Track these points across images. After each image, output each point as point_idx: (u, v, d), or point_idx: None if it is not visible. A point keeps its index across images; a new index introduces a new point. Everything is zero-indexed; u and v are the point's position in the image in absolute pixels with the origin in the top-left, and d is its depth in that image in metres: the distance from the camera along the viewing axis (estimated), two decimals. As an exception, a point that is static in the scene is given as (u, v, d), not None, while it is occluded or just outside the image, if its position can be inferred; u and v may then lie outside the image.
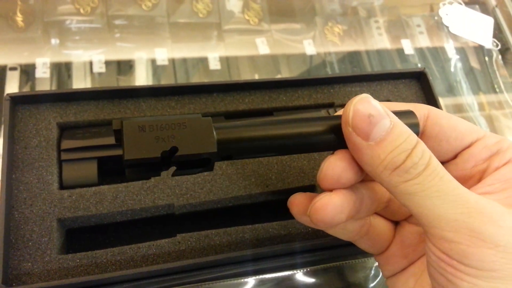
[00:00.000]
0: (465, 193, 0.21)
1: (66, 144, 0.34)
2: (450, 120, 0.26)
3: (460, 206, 0.20)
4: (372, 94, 0.41)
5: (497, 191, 0.23)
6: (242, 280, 0.36)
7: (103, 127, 0.36)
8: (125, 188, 0.34)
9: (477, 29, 0.66)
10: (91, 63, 0.57)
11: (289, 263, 0.36)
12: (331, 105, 0.40)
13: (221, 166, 0.36)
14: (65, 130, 0.36)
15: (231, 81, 0.38)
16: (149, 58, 0.59)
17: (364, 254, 0.36)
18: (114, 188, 0.34)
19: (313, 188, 0.37)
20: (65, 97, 0.36)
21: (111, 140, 0.35)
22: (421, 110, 0.26)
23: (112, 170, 0.36)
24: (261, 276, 0.36)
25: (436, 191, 0.21)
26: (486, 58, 0.63)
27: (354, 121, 0.22)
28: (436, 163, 0.21)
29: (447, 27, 0.65)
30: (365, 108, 0.22)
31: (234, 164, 0.36)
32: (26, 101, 0.35)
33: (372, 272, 0.37)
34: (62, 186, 0.34)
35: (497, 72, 0.63)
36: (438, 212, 0.20)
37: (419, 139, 0.22)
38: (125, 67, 0.58)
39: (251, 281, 0.36)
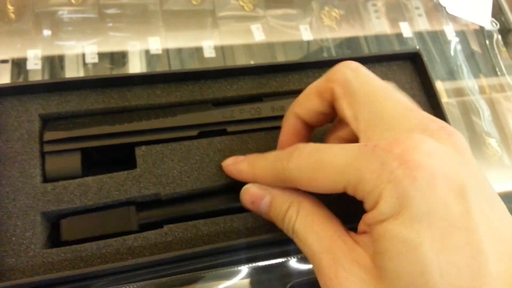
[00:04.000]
0: (314, 254, 0.25)
1: (49, 135, 0.34)
2: (311, 187, 0.26)
3: (313, 263, 0.25)
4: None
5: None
6: (233, 269, 0.35)
7: (87, 117, 0.35)
8: (109, 179, 0.33)
9: (475, 9, 0.63)
10: (83, 56, 0.56)
11: (280, 250, 0.35)
12: (323, 90, 0.39)
13: (208, 153, 0.35)
14: (47, 121, 0.35)
15: (219, 67, 0.37)
16: (142, 49, 0.58)
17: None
18: (99, 179, 0.33)
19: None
20: (47, 88, 0.35)
21: (94, 130, 0.34)
22: (286, 182, 0.28)
23: (97, 161, 0.35)
24: (252, 265, 0.35)
25: (301, 249, 0.27)
26: (487, 41, 0.61)
27: (246, 208, 0.31)
28: (298, 226, 0.26)
29: (445, 8, 0.63)
30: (247, 199, 0.30)
31: (222, 151, 0.35)
32: (6, 93, 0.34)
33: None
34: (45, 179, 0.33)
35: (498, 55, 0.61)
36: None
37: (290, 205, 0.27)
38: (118, 58, 0.57)
39: (242, 269, 0.35)
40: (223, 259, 0.34)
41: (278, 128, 0.37)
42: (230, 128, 0.37)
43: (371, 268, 0.23)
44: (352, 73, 0.27)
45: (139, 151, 0.34)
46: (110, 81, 0.35)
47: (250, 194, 0.30)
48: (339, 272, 0.23)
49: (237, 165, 0.32)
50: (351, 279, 0.23)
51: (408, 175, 0.21)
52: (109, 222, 0.33)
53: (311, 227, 0.26)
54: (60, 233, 0.32)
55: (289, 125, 0.32)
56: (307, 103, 0.31)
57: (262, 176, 0.29)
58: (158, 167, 0.34)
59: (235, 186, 0.35)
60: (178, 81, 0.37)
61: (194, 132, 0.36)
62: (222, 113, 0.37)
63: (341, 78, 0.27)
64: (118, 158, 0.36)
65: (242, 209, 0.34)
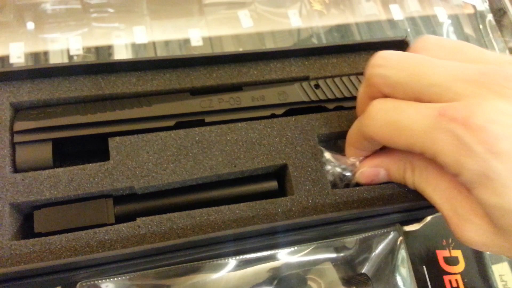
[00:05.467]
0: (435, 203, 0.28)
1: (19, 125, 0.33)
2: (391, 145, 0.28)
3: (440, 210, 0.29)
4: (350, 66, 0.38)
5: None
6: (215, 262, 0.34)
7: (59, 106, 0.34)
8: (81, 171, 0.32)
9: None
10: (68, 51, 0.55)
11: (265, 244, 0.34)
12: (306, 78, 0.38)
13: (186, 145, 0.34)
14: (19, 111, 0.34)
15: (197, 54, 0.36)
16: (128, 42, 0.56)
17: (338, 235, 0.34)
18: (70, 171, 0.32)
19: (285, 167, 0.35)
20: (18, 75, 0.34)
21: (66, 120, 0.33)
22: (372, 145, 0.31)
23: (70, 152, 0.34)
24: (236, 258, 0.34)
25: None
26: (480, 25, 0.60)
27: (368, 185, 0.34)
28: (417, 182, 0.30)
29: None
30: (364, 181, 0.33)
31: (199, 143, 0.34)
32: (-24, 81, 0.33)
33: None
34: (15, 170, 0.32)
35: (491, 36, 0.59)
36: None
37: (405, 168, 0.30)
38: (104, 53, 0.56)
39: (224, 263, 0.34)
40: (204, 252, 0.33)
41: (258, 118, 0.36)
42: (208, 118, 0.35)
43: (486, 216, 0.24)
44: (384, 69, 0.27)
45: (113, 143, 0.33)
46: (82, 69, 0.34)
47: (365, 176, 0.32)
48: (460, 222, 0.25)
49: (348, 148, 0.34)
50: (471, 228, 0.25)
51: (489, 150, 0.22)
52: (84, 214, 0.32)
53: (427, 181, 0.28)
54: (34, 224, 0.31)
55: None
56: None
57: (353, 140, 0.32)
58: (132, 159, 0.33)
59: (212, 179, 0.34)
60: (155, 69, 0.36)
61: (171, 123, 0.35)
62: (200, 103, 0.35)
63: (379, 81, 0.28)
64: (92, 149, 0.35)
65: (219, 202, 0.33)
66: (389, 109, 0.26)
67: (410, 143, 0.25)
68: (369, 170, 0.32)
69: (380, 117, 0.27)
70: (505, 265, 0.49)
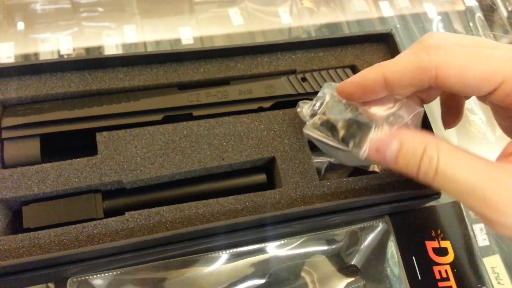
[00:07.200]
0: (472, 187, 0.23)
1: (7, 121, 0.33)
2: (459, 77, 0.24)
3: (470, 199, 0.24)
4: (336, 59, 0.39)
5: None
6: (208, 255, 0.34)
7: (46, 102, 0.34)
8: (69, 166, 0.32)
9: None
10: (58, 52, 0.55)
11: (247, 239, 0.34)
12: (293, 72, 0.38)
13: (174, 139, 0.34)
14: (7, 107, 0.34)
15: (184, 49, 0.36)
16: (119, 43, 0.56)
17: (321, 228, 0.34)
18: (58, 166, 0.32)
19: (273, 160, 0.35)
20: (6, 72, 0.34)
21: (54, 116, 0.33)
22: (428, 73, 0.24)
23: (58, 148, 0.34)
24: (226, 252, 0.34)
25: (448, 189, 0.24)
26: (470, 23, 0.60)
27: (370, 157, 0.27)
28: (444, 164, 0.24)
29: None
30: (370, 146, 0.27)
31: (187, 137, 0.34)
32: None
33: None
34: (4, 166, 0.32)
35: (481, 32, 0.60)
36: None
37: (426, 146, 0.25)
38: (94, 53, 0.56)
39: (216, 256, 0.34)
40: (194, 246, 0.33)
41: (246, 112, 0.36)
42: (196, 112, 0.35)
43: None
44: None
45: (100, 137, 0.33)
46: (70, 65, 0.34)
47: (374, 139, 0.27)
48: (503, 201, 0.22)
49: (362, 75, 0.27)
50: None
51: None
52: (73, 209, 0.32)
53: (460, 160, 0.24)
54: (23, 220, 0.32)
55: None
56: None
57: (397, 76, 0.25)
58: (120, 153, 0.33)
59: (200, 172, 0.34)
60: (142, 65, 0.36)
61: (158, 117, 0.35)
62: (188, 97, 0.36)
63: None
64: (81, 144, 0.35)
65: (208, 196, 0.33)
66: (467, 38, 0.25)
67: (491, 70, 0.23)
68: (381, 135, 0.26)
69: (453, 49, 0.24)
70: (496, 257, 0.49)
